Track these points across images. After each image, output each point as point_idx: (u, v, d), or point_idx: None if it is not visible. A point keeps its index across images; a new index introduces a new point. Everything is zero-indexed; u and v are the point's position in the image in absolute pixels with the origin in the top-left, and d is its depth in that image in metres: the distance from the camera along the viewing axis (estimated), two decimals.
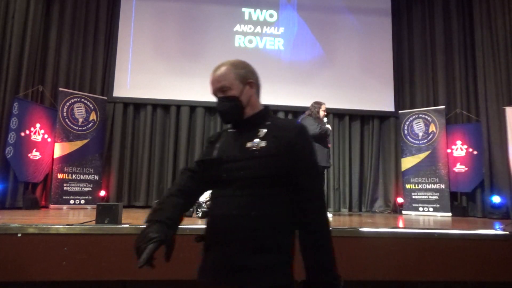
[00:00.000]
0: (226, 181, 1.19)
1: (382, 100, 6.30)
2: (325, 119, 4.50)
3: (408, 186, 5.79)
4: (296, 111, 6.15)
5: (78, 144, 5.29)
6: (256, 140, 1.20)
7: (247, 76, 1.31)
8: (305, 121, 4.42)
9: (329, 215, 4.42)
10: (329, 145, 4.50)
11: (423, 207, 5.63)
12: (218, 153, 1.25)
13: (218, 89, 1.30)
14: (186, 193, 1.29)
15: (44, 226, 2.44)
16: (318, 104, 4.53)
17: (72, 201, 5.14)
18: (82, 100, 5.43)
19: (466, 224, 3.76)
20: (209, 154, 1.28)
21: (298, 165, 1.19)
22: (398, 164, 6.18)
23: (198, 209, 3.67)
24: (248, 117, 1.27)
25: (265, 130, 1.22)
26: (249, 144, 1.19)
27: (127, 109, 5.93)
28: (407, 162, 5.86)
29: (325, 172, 5.92)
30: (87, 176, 5.30)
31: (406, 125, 5.96)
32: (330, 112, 6.16)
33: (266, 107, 1.34)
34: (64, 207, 5.04)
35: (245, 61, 1.36)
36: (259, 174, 1.16)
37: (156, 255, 1.08)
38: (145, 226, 1.16)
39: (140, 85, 5.86)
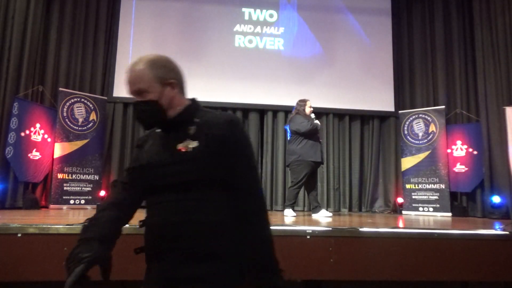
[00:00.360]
0: (161, 187, 1.11)
1: (382, 100, 6.30)
2: (313, 115, 4.60)
3: (408, 186, 5.79)
4: None
5: (78, 144, 5.29)
6: (187, 141, 1.11)
7: (167, 76, 1.16)
8: (295, 119, 4.54)
9: (329, 214, 4.43)
10: (321, 140, 4.61)
11: (423, 207, 5.63)
12: (147, 158, 1.16)
13: (134, 92, 1.15)
14: (120, 205, 1.19)
15: (44, 226, 2.44)
16: (303, 102, 4.65)
17: (72, 201, 5.14)
18: (82, 100, 5.43)
19: (466, 224, 3.76)
20: (139, 160, 1.19)
21: (232, 162, 1.12)
22: (398, 164, 6.18)
23: None
24: (174, 117, 1.17)
25: (194, 128, 1.13)
26: (180, 146, 1.11)
27: (127, 109, 5.93)
28: (407, 162, 5.86)
29: (325, 170, 5.96)
30: (87, 176, 5.30)
31: (406, 125, 5.96)
32: (330, 112, 6.21)
33: (194, 101, 1.24)
34: (64, 207, 5.04)
35: (164, 57, 1.19)
36: (195, 177, 1.09)
37: (92, 274, 1.03)
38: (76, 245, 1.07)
39: None
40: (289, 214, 4.33)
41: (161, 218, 1.09)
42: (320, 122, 4.86)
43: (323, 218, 4.07)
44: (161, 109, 1.14)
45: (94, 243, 1.07)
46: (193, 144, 1.10)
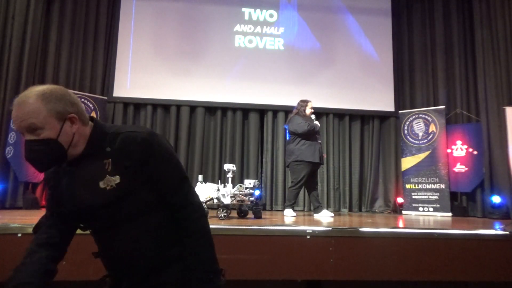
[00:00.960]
0: (98, 227, 1.10)
1: (382, 100, 6.30)
2: (313, 116, 4.62)
3: (408, 186, 5.79)
4: None
5: None
6: (107, 178, 1.04)
7: (65, 111, 1.02)
8: (293, 120, 4.57)
9: (330, 214, 4.43)
10: (319, 141, 4.60)
11: (423, 207, 5.63)
12: (71, 201, 1.07)
13: (25, 128, 0.99)
14: (50, 243, 1.11)
15: None
16: (304, 102, 4.67)
17: None
18: (82, 100, 5.43)
19: (466, 224, 3.76)
20: (60, 205, 1.09)
21: (160, 181, 1.08)
22: (398, 164, 6.18)
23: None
24: (81, 153, 1.06)
25: (110, 161, 1.04)
26: (102, 185, 1.04)
27: (127, 109, 5.93)
28: (407, 162, 5.86)
29: (325, 170, 5.96)
30: None
31: (406, 125, 5.96)
32: (330, 112, 6.21)
33: (96, 126, 1.09)
34: None
35: (59, 88, 1.05)
36: (129, 211, 1.06)
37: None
38: None
39: (140, 85, 5.86)
40: (289, 214, 4.33)
41: (112, 251, 1.10)
42: (320, 122, 4.88)
43: (325, 218, 4.07)
44: (60, 147, 1.01)
45: None
46: (116, 180, 1.04)
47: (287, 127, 4.70)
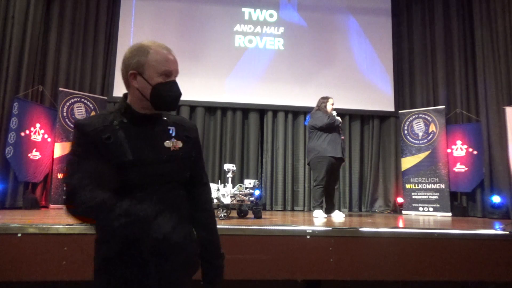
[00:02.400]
0: (150, 184, 1.13)
1: (382, 100, 6.31)
2: (334, 113, 4.47)
3: (408, 186, 5.79)
4: (296, 111, 6.16)
5: None
6: (173, 140, 1.20)
7: None
8: (314, 115, 4.45)
9: (342, 215, 4.36)
10: (343, 137, 4.46)
11: (423, 207, 5.63)
12: (133, 154, 1.11)
13: (173, 72, 1.19)
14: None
15: (44, 226, 2.44)
16: (324, 99, 4.55)
17: None
18: (82, 100, 5.43)
19: (466, 224, 3.76)
20: (121, 155, 1.10)
21: (197, 162, 1.29)
22: (398, 164, 6.18)
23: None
24: (145, 113, 1.19)
25: (174, 129, 1.23)
26: (167, 145, 1.18)
27: None
28: (407, 162, 5.86)
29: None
30: None
31: (406, 125, 5.96)
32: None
33: None
34: (64, 207, 5.03)
35: None
36: (184, 175, 1.23)
37: None
38: None
39: None
40: (319, 216, 4.09)
41: (154, 214, 1.04)
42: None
43: (339, 219, 4.04)
44: None
45: None
46: (179, 144, 1.20)
47: (306, 124, 4.59)
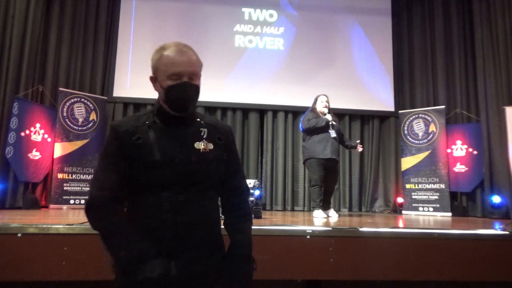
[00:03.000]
0: (177, 185, 1.13)
1: (382, 100, 6.31)
2: (326, 110, 4.38)
3: (408, 186, 5.79)
4: (296, 111, 6.16)
5: (78, 144, 5.29)
6: (205, 142, 1.19)
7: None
8: (304, 116, 4.45)
9: (336, 214, 4.40)
10: (333, 136, 4.29)
11: (423, 207, 5.63)
12: (164, 154, 1.13)
13: (189, 73, 1.16)
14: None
15: (44, 226, 2.44)
16: (315, 98, 4.54)
17: (72, 201, 5.14)
18: (82, 100, 5.43)
19: (466, 224, 3.76)
20: (152, 154, 1.13)
21: (234, 166, 1.29)
22: (398, 164, 6.18)
23: None
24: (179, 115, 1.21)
25: (206, 130, 1.22)
26: (199, 146, 1.18)
27: (127, 109, 5.92)
28: (407, 162, 5.86)
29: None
30: (87, 176, 5.30)
31: (406, 125, 5.96)
32: (330, 112, 6.18)
33: None
34: (64, 207, 5.03)
35: None
36: (214, 177, 1.21)
37: None
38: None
39: (140, 85, 5.85)
40: (318, 216, 4.08)
41: (184, 216, 1.13)
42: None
43: (332, 218, 4.05)
44: (198, 95, 1.21)
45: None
46: (210, 146, 1.20)
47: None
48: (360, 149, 4.58)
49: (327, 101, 4.46)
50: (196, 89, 1.18)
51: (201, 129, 1.22)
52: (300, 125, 4.44)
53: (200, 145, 1.18)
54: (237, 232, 1.25)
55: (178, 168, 1.14)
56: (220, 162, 1.22)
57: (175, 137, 1.18)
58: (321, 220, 3.79)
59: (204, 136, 1.20)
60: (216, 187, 1.23)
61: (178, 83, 1.15)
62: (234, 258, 1.21)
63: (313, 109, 4.47)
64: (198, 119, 1.24)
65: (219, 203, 1.31)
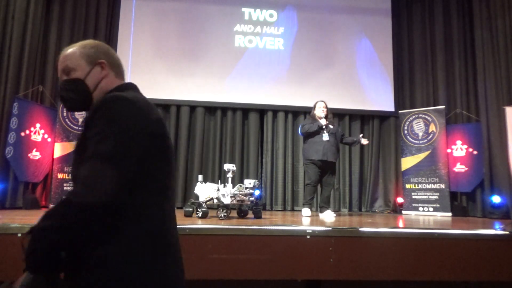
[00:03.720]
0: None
1: (382, 100, 6.30)
2: (322, 115, 4.64)
3: (408, 186, 5.79)
4: (296, 111, 6.16)
5: None
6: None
7: (96, 56, 1.11)
8: (303, 121, 4.87)
9: (333, 214, 4.43)
10: (326, 139, 4.50)
11: (423, 207, 5.63)
12: None
13: (61, 71, 1.10)
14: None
15: None
16: (314, 104, 4.81)
17: None
18: None
19: (466, 224, 3.76)
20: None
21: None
22: (398, 164, 6.18)
23: (198, 209, 3.67)
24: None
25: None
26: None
27: None
28: (407, 162, 5.86)
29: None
30: None
31: (406, 125, 5.96)
32: (330, 112, 6.19)
33: (126, 85, 1.16)
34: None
35: (99, 42, 1.17)
36: None
37: None
38: None
39: (140, 85, 5.68)
40: (304, 214, 4.36)
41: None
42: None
43: (328, 219, 4.07)
44: (86, 87, 1.07)
45: None
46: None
47: None
48: (365, 141, 4.75)
49: (325, 107, 4.71)
50: (66, 85, 1.08)
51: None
52: (299, 129, 4.80)
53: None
54: None
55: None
56: None
57: None
58: (306, 218, 3.99)
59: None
60: None
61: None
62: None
63: (311, 115, 4.78)
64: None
65: None
